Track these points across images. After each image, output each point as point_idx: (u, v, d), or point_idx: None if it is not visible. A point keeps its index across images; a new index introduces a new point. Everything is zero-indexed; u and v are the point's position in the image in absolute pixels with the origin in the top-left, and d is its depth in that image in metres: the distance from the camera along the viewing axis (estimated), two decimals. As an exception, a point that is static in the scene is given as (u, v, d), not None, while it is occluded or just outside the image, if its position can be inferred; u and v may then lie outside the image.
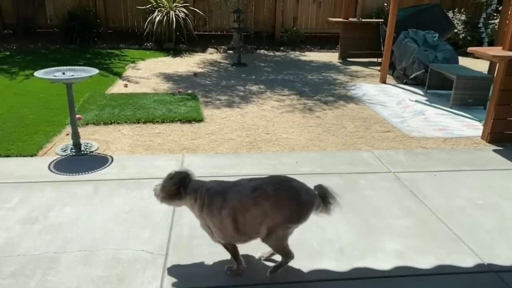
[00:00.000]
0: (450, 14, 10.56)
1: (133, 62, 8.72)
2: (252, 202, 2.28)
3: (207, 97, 6.35)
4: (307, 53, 10.55)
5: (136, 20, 10.95)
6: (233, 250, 2.49)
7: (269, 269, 2.51)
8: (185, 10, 10.07)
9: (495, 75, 5.04)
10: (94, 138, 4.61)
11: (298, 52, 10.56)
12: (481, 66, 7.57)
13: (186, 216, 3.10)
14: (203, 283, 2.46)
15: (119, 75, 7.56)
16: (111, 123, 5.04)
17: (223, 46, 10.40)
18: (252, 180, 2.40)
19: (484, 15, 10.79)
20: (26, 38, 10.30)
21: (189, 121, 5.21)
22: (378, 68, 8.27)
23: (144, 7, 10.20)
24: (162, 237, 2.85)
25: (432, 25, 8.05)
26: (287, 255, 2.46)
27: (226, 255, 2.67)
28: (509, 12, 6.71)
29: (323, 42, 11.38)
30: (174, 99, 6.08)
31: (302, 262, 2.64)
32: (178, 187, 2.40)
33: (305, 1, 11.61)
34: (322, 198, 2.36)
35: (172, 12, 9.83)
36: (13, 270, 2.49)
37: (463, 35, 10.56)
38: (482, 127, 5.04)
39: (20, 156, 4.09)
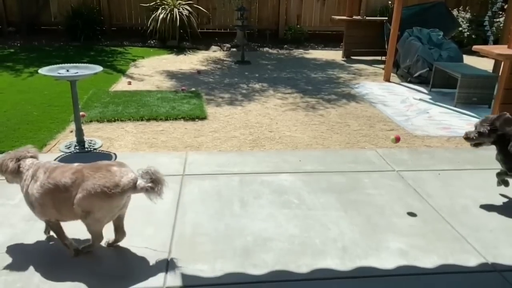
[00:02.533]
0: (455, 12, 10.49)
1: (136, 59, 8.73)
2: (70, 183, 2.41)
3: (211, 95, 6.35)
4: (310, 51, 10.52)
5: (140, 18, 10.95)
6: (56, 228, 2.58)
7: (81, 246, 2.61)
8: (188, 8, 10.07)
9: (500, 74, 5.01)
10: (97, 135, 4.62)
11: (301, 50, 10.54)
12: (486, 65, 7.53)
13: (189, 214, 3.11)
14: (205, 280, 2.47)
15: (122, 72, 7.57)
16: (114, 121, 5.05)
17: (227, 44, 10.39)
18: (81, 164, 2.55)
19: (489, 13, 10.72)
20: (30, 36, 10.34)
21: (192, 118, 5.22)
22: (382, 66, 8.24)
23: (148, 4, 10.20)
24: (165, 235, 2.85)
25: (437, 23, 8.01)
26: (99, 238, 2.56)
27: (229, 254, 2.68)
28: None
29: (327, 40, 11.36)
30: (178, 96, 6.08)
31: (305, 260, 2.64)
32: (18, 164, 2.57)
33: (309, -1, 11.59)
34: (152, 182, 2.43)
35: (175, 10, 9.82)
36: (17, 266, 2.50)
37: (468, 33, 10.50)
38: (486, 126, 5.00)
39: (24, 153, 4.11)
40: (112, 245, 2.68)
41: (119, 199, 2.42)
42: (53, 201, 2.45)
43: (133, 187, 2.43)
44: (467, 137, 3.30)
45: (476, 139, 3.26)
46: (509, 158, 3.20)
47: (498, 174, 3.40)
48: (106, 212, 2.46)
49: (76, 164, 2.58)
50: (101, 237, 2.58)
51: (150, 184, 2.41)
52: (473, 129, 3.32)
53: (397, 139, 3.95)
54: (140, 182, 2.44)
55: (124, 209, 2.59)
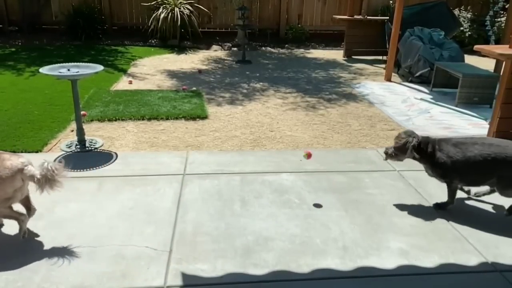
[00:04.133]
0: (456, 12, 10.48)
1: (137, 59, 8.73)
2: None
3: (211, 94, 6.35)
4: (311, 50, 10.52)
5: (141, 17, 10.96)
6: None
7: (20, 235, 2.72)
8: (189, 7, 10.06)
9: (501, 74, 5.01)
10: (98, 134, 4.62)
11: (302, 50, 10.53)
12: (487, 65, 7.51)
13: (190, 213, 3.11)
14: (206, 280, 2.47)
15: (123, 71, 7.57)
16: (115, 120, 5.05)
17: (228, 43, 10.39)
18: None
19: (490, 13, 10.70)
20: (32, 35, 10.34)
21: (193, 118, 5.22)
22: (383, 66, 8.24)
23: (149, 3, 10.20)
24: (166, 234, 2.85)
25: (438, 22, 7.99)
26: (17, 218, 2.70)
27: (230, 253, 2.68)
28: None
29: (328, 39, 11.35)
30: (179, 96, 6.08)
31: (305, 260, 2.64)
32: None
33: (310, -2, 11.58)
34: (44, 172, 2.55)
35: (176, 9, 9.82)
36: (18, 266, 2.51)
37: (469, 33, 10.48)
38: (488, 126, 5.00)
39: (26, 152, 4.10)
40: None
41: (10, 179, 2.53)
42: None
43: (22, 171, 2.55)
44: (385, 152, 3.32)
45: (394, 156, 3.26)
46: (437, 170, 3.20)
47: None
48: (2, 194, 2.56)
49: None
50: (15, 215, 2.69)
51: (39, 176, 2.54)
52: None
53: (309, 155, 3.72)
54: (31, 169, 2.57)
55: (24, 192, 2.71)
